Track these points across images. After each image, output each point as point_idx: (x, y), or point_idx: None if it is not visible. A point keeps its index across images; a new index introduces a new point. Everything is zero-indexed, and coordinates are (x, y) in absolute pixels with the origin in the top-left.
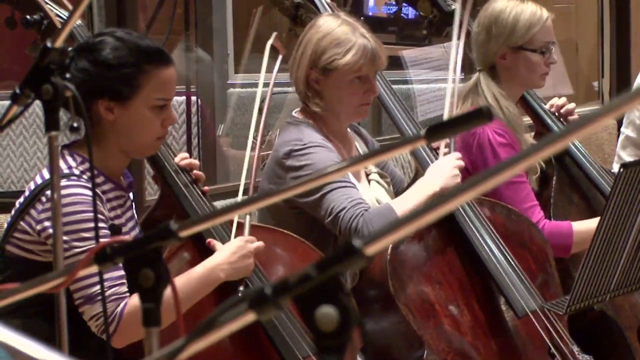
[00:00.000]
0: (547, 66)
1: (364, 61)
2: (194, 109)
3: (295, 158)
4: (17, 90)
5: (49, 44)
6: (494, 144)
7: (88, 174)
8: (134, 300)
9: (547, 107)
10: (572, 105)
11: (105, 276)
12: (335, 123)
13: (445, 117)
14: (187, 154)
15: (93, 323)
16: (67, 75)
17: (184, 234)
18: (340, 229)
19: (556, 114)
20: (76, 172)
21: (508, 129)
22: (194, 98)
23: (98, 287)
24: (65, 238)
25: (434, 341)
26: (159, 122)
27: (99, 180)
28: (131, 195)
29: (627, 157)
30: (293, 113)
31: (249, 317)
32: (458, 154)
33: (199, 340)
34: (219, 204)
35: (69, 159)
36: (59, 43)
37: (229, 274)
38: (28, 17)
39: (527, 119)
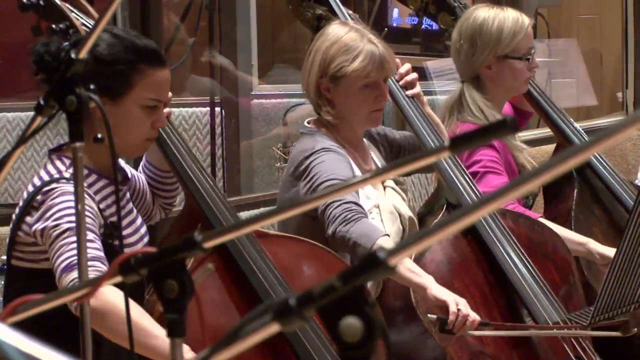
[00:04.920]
0: (530, 71)
1: (372, 67)
2: (217, 120)
3: (304, 164)
4: (41, 102)
5: (73, 55)
6: None
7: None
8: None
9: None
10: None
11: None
12: (349, 131)
13: None
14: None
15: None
16: (92, 87)
17: (209, 245)
18: (329, 216)
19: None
20: (66, 175)
21: None
22: (217, 109)
23: (72, 254)
24: (52, 222)
25: (457, 352)
26: (149, 122)
27: (91, 179)
28: (138, 178)
29: None
30: (305, 123)
31: (273, 328)
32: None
33: (223, 351)
34: (243, 214)
35: (58, 163)
36: (83, 54)
37: None
38: (54, 26)
39: (547, 131)
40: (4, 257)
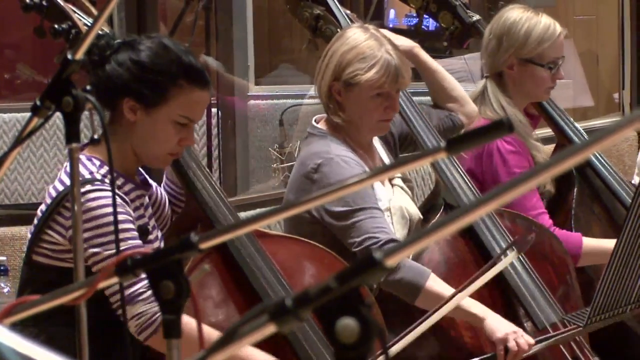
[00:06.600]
0: (553, 81)
1: (386, 79)
2: (214, 121)
3: (323, 172)
4: (38, 102)
5: (69, 56)
6: (503, 152)
7: (110, 176)
8: None
9: None
10: None
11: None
12: (358, 135)
13: None
14: None
15: (133, 323)
16: (88, 87)
17: (205, 245)
18: None
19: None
20: (98, 176)
21: (516, 136)
22: (214, 110)
23: (137, 287)
24: (96, 241)
25: (454, 353)
26: (176, 139)
27: (120, 182)
28: (160, 191)
29: None
30: (314, 123)
31: (270, 329)
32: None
33: (219, 352)
34: (240, 215)
35: (88, 164)
36: (79, 55)
37: None
38: (56, 26)
39: (548, 131)
40: (3, 258)
